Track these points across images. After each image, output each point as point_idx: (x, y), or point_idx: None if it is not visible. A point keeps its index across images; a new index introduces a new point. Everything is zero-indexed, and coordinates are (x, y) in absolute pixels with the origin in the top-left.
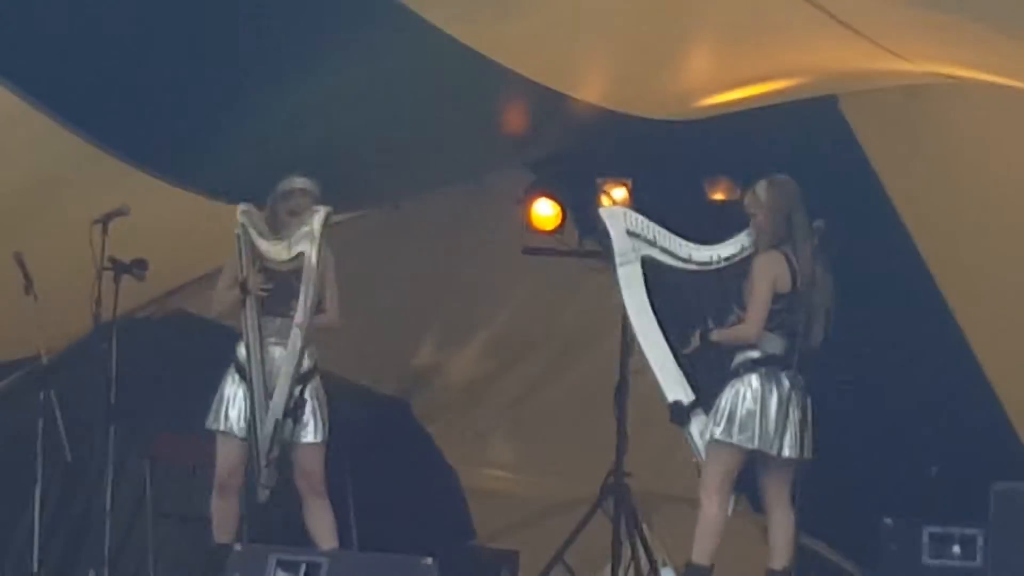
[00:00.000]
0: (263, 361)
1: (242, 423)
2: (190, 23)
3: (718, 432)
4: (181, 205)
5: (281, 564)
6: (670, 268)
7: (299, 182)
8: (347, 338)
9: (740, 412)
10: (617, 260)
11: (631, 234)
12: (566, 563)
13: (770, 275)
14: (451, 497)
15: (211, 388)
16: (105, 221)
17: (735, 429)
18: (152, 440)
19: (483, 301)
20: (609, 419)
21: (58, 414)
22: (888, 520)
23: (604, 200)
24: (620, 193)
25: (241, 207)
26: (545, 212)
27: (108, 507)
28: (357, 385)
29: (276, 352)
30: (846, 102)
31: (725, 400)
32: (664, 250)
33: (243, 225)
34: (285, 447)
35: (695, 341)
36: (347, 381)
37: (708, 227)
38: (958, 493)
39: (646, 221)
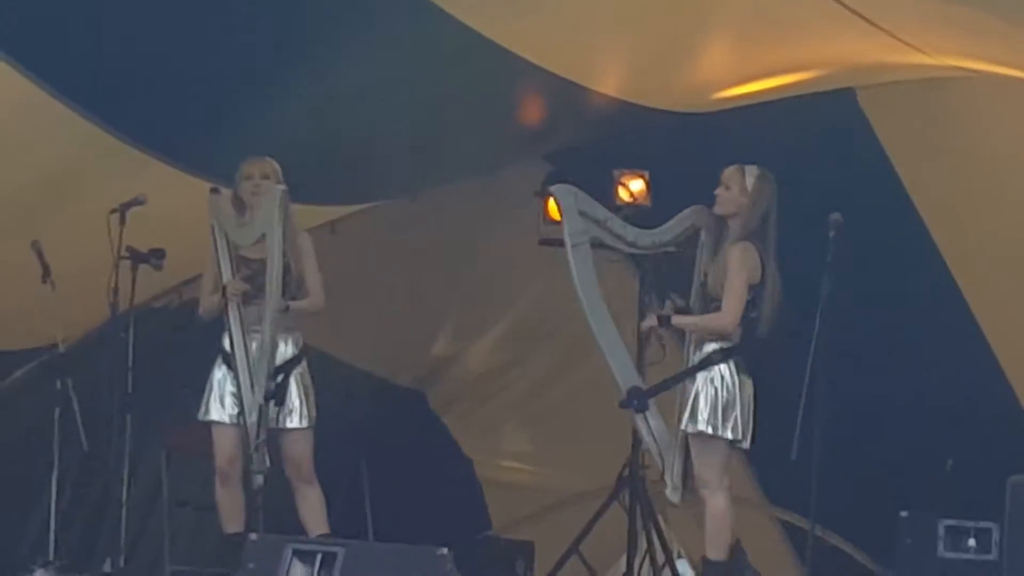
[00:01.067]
0: (247, 350)
1: (232, 411)
2: (209, 11)
3: (703, 425)
4: (198, 194)
5: (297, 554)
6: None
7: (257, 160)
8: (363, 330)
9: (720, 403)
10: (569, 241)
11: (583, 215)
12: (581, 554)
13: (747, 266)
14: (467, 488)
15: None
16: (122, 210)
17: (719, 421)
18: (168, 429)
19: (499, 292)
20: (624, 411)
21: (75, 403)
22: (904, 513)
23: (621, 192)
24: (637, 185)
25: (209, 196)
26: None
27: (124, 496)
28: (373, 377)
29: (258, 339)
30: (864, 95)
31: (703, 392)
32: (612, 232)
33: (214, 216)
34: (273, 434)
35: (650, 322)
36: (363, 373)
37: None
38: (974, 486)
39: (595, 203)
